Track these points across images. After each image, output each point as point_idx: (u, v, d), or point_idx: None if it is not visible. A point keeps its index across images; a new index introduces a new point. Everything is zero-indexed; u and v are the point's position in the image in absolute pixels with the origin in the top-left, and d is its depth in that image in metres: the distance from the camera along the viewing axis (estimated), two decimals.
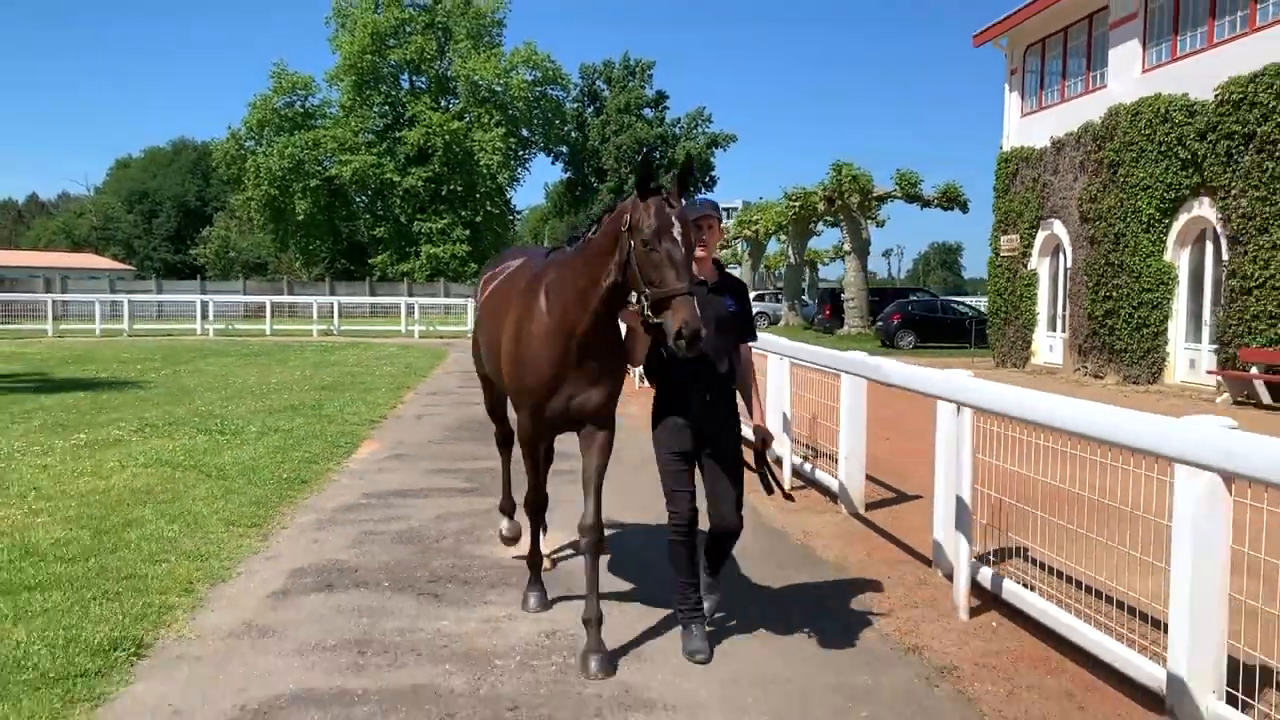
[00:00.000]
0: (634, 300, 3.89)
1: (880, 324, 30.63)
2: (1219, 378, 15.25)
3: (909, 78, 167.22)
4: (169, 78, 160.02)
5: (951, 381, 5.01)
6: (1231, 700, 3.49)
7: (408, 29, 62.57)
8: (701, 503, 4.27)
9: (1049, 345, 21.05)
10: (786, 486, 3.89)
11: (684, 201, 3.91)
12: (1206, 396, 15.19)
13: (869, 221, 33.05)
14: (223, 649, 4.20)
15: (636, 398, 11.18)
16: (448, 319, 36.48)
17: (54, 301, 29.02)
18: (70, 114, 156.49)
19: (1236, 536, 3.45)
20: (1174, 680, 3.61)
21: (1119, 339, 17.94)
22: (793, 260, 42.27)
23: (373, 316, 40.02)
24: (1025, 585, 4.68)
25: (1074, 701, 3.85)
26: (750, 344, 4.50)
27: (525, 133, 66.29)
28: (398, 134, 61.74)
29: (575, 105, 71.06)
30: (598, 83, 73.19)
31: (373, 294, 48.14)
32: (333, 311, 31.94)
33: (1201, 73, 16.00)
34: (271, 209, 61.65)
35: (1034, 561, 5.06)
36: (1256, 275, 14.61)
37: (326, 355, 21.88)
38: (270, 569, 5.40)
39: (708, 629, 4.31)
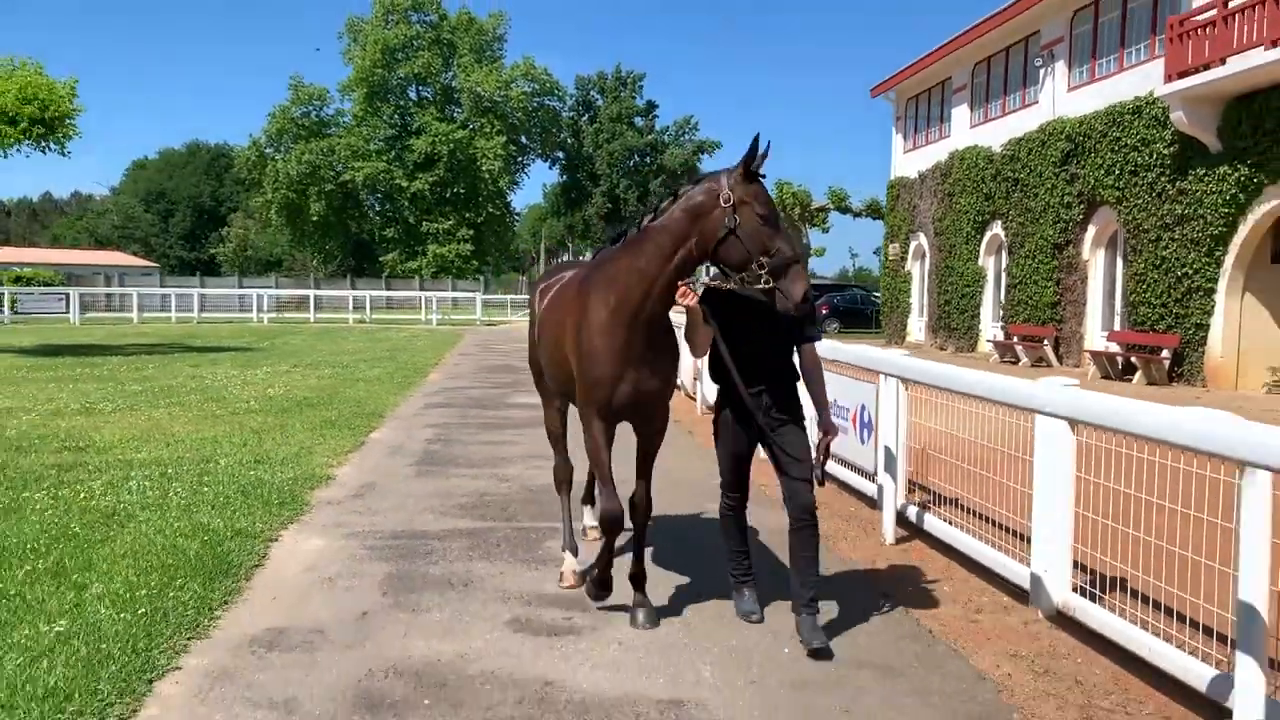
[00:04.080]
0: (696, 285, 4.41)
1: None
2: (992, 346, 23.01)
3: (844, 113, 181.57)
4: (180, 82, 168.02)
5: (889, 359, 6.35)
6: (1079, 592, 4.51)
7: (415, 44, 70.19)
8: (777, 492, 4.72)
9: (917, 327, 28.81)
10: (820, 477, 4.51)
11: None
12: (994, 360, 22.85)
13: (811, 228, 40.64)
14: (409, 417, 11.87)
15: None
16: (457, 309, 44.25)
17: (137, 295, 36.91)
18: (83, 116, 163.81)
19: (1081, 466, 4.65)
20: (1035, 578, 4.79)
21: (953, 321, 25.69)
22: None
23: (389, 309, 47.70)
24: (938, 517, 5.97)
25: (962, 601, 5.08)
26: (815, 343, 4.68)
27: (524, 140, 73.94)
28: (406, 142, 69.31)
29: (571, 114, 78.56)
30: (592, 93, 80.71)
31: (388, 289, 55.69)
32: (365, 304, 39.69)
33: (998, 132, 23.73)
34: (289, 210, 69.20)
35: (944, 499, 6.22)
36: (1019, 275, 22.31)
37: (372, 335, 29.72)
38: (412, 405, 13.08)
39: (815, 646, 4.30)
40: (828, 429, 4.54)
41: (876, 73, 38.52)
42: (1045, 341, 21.12)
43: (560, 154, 78.75)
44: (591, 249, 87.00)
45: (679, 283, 4.37)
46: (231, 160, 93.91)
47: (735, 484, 4.79)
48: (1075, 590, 4.70)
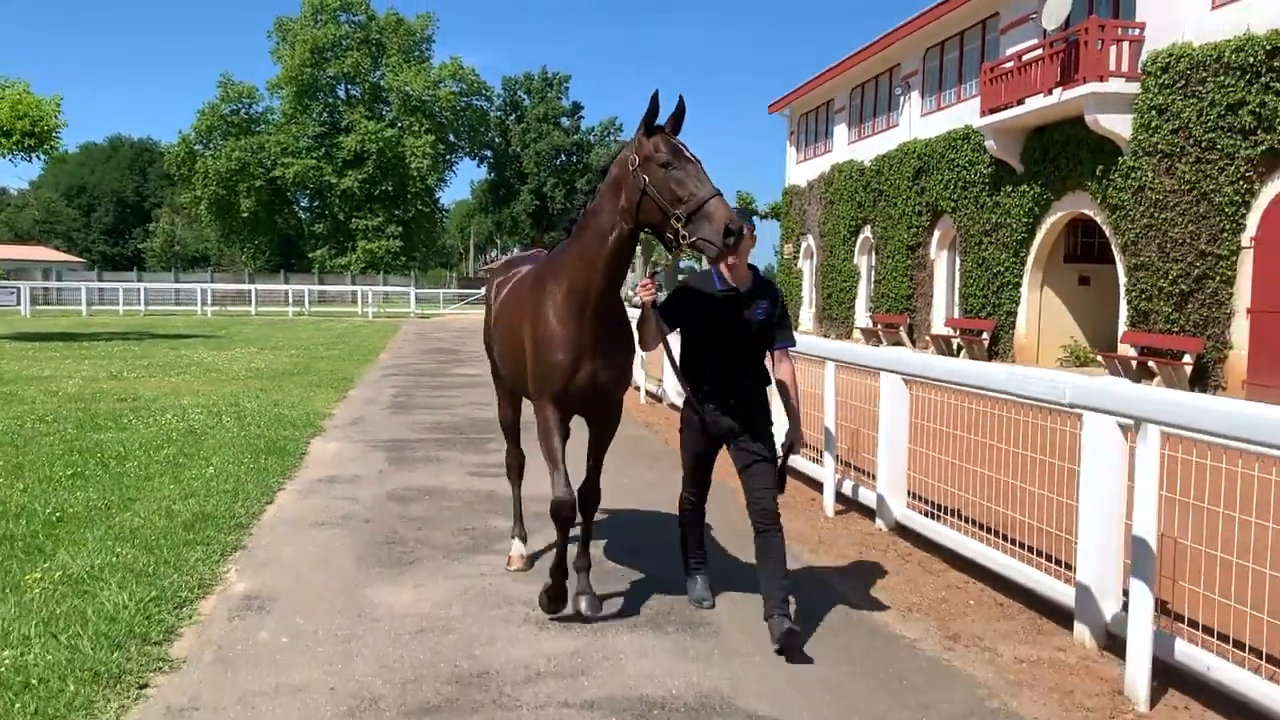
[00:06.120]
0: (646, 276, 4.66)
1: None
2: (860, 332, 27.19)
3: (747, 125, 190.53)
4: (102, 78, 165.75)
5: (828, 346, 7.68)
6: (913, 507, 6.18)
7: (344, 44, 72.47)
8: (741, 501, 4.74)
9: (807, 317, 32.93)
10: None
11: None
12: (862, 344, 26.97)
13: None
14: (373, 382, 15.30)
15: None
16: (390, 303, 47.29)
17: (85, 289, 39.29)
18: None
19: (917, 414, 6.38)
20: (880, 498, 6.28)
21: (834, 311, 29.84)
22: (668, 259, 53.98)
23: (321, 303, 50.40)
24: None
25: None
26: (789, 349, 4.78)
27: (452, 138, 76.71)
28: (335, 139, 71.54)
29: (498, 114, 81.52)
30: (519, 93, 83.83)
31: (321, 283, 58.20)
32: (304, 298, 42.53)
33: (869, 149, 27.86)
34: (218, 207, 70.95)
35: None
36: (883, 272, 26.47)
37: (317, 325, 32.77)
38: (375, 373, 16.49)
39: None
40: (795, 440, 4.72)
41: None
42: (901, 328, 25.28)
43: (488, 152, 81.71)
44: (519, 245, 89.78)
45: (645, 280, 4.60)
46: (156, 155, 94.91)
47: (696, 481, 4.91)
48: (907, 505, 6.44)
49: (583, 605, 4.70)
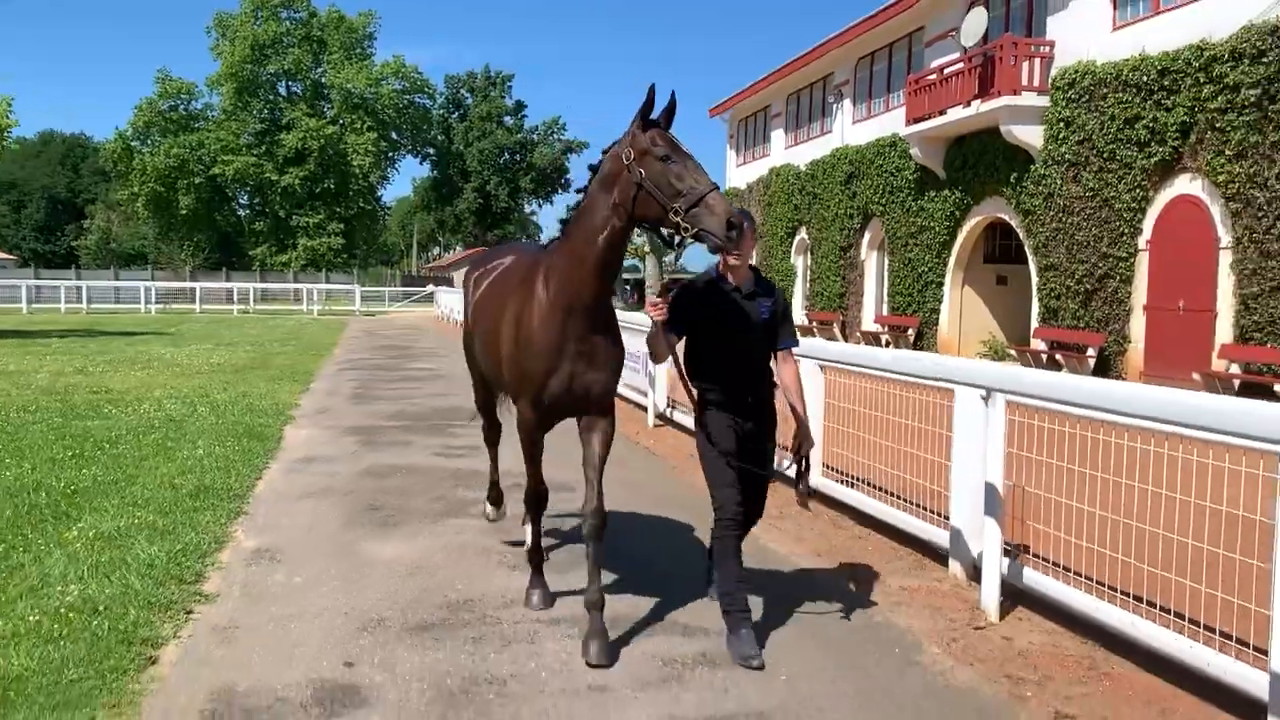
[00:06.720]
0: (657, 293, 4.41)
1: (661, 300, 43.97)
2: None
3: (688, 127, 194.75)
4: (32, 71, 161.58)
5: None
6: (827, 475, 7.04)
7: (285, 41, 72.19)
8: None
9: None
10: (807, 489, 4.60)
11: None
12: None
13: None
14: (331, 376, 16.04)
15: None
16: (334, 301, 47.59)
17: (26, 286, 39.04)
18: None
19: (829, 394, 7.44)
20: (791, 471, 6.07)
21: None
22: (682, 266, 55.31)
23: (264, 300, 50.46)
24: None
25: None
26: (793, 349, 4.72)
27: (395, 136, 76.78)
28: (276, 137, 71.21)
29: (441, 112, 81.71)
30: (462, 91, 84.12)
31: (263, 281, 58.09)
32: (249, 296, 42.74)
33: (804, 154, 29.14)
34: (157, 204, 70.22)
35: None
36: (818, 272, 27.76)
37: (264, 323, 33.15)
38: (332, 367, 17.22)
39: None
40: (804, 444, 4.60)
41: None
42: (834, 325, 26.58)
43: (431, 150, 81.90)
44: (462, 244, 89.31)
45: (656, 297, 4.42)
46: (89, 151, 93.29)
47: (732, 492, 4.44)
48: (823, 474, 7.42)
49: (593, 651, 4.24)
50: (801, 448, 4.59)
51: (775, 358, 4.68)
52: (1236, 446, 4.02)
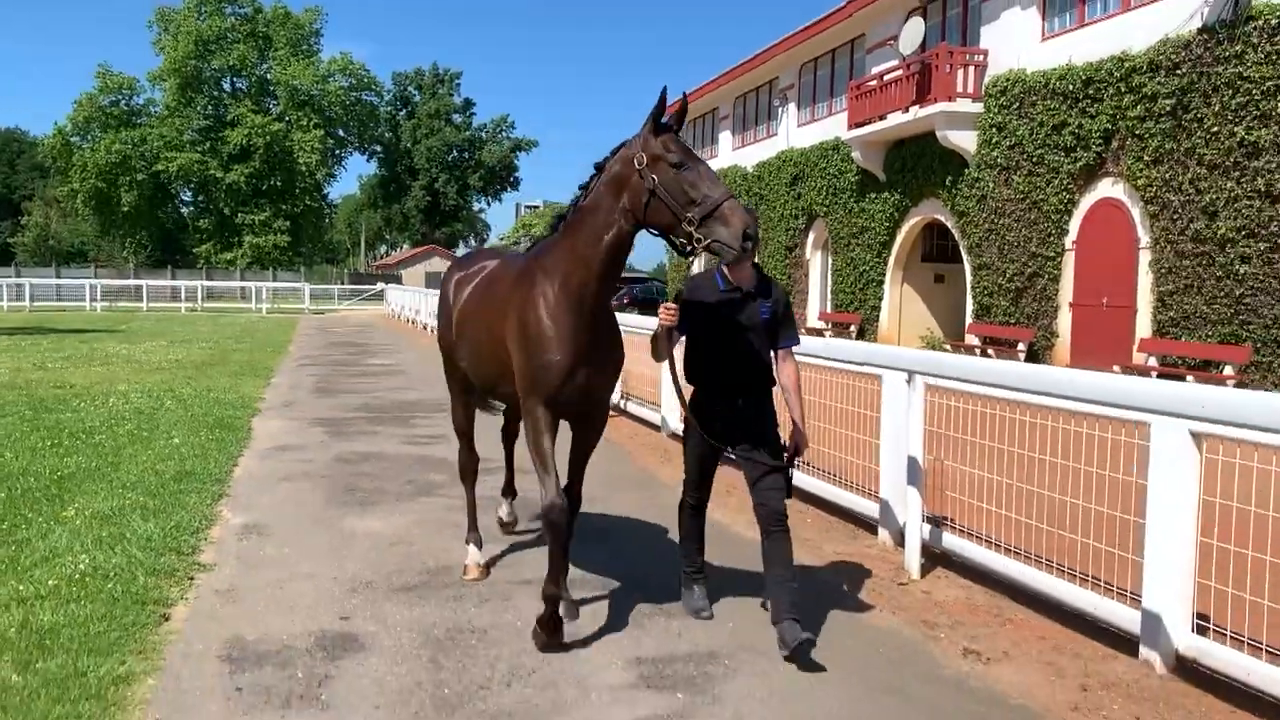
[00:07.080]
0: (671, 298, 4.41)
1: (615, 302, 44.66)
2: None
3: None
4: None
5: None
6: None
7: (230, 36, 71.39)
8: (747, 500, 4.76)
9: None
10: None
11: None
12: None
13: None
14: (291, 371, 16.36)
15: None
16: (283, 299, 47.44)
17: None
18: None
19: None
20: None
21: None
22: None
23: (211, 299, 50.05)
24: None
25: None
26: (793, 348, 4.71)
27: (341, 133, 76.32)
28: (221, 133, 70.40)
29: (388, 109, 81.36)
30: (409, 89, 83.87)
31: (208, 279, 57.58)
32: (196, 294, 42.48)
33: (751, 156, 29.90)
34: (97, 200, 69.06)
35: None
36: (765, 270, 28.47)
37: (215, 320, 33.10)
38: (291, 363, 17.52)
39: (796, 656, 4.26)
40: (800, 444, 4.65)
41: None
42: None
43: (378, 148, 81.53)
44: (409, 242, 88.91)
45: (669, 303, 4.41)
46: (26, 146, 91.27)
47: (698, 483, 4.87)
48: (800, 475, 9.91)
49: (560, 611, 4.37)
50: (797, 448, 4.68)
51: (776, 357, 4.72)
52: (1117, 419, 4.71)
